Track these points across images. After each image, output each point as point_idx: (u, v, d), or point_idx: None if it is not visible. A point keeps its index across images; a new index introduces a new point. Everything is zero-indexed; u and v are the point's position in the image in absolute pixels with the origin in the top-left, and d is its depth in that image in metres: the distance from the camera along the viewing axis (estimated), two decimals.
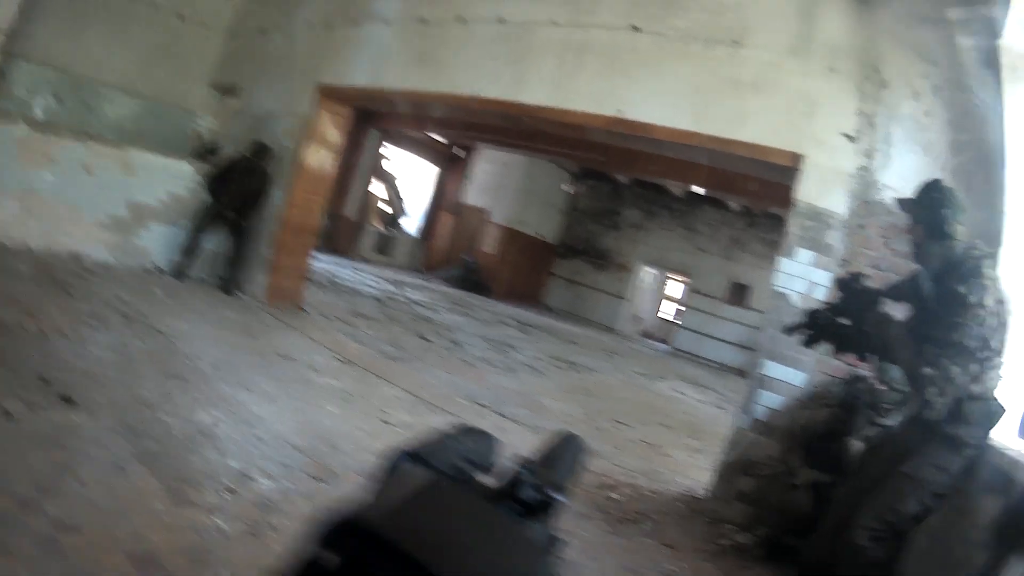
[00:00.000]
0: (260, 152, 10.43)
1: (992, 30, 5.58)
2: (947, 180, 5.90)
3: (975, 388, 3.92)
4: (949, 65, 6.19)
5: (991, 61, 5.64)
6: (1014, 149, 5.18)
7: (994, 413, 4.01)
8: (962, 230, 4.21)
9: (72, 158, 9.06)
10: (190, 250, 10.30)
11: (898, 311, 4.46)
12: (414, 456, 1.24)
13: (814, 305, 5.05)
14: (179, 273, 10.26)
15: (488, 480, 1.33)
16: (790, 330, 4.92)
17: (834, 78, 6.63)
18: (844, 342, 4.58)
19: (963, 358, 3.86)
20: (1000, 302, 3.90)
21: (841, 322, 4.56)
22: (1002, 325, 3.89)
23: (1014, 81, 5.33)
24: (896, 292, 4.42)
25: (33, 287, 7.44)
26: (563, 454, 1.53)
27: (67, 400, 4.96)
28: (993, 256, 4.05)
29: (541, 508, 1.18)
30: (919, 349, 4.04)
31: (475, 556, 0.90)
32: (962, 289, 3.90)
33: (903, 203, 4.55)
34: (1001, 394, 4.08)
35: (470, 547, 0.93)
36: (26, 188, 8.70)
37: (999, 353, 3.94)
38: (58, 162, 8.92)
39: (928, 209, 4.28)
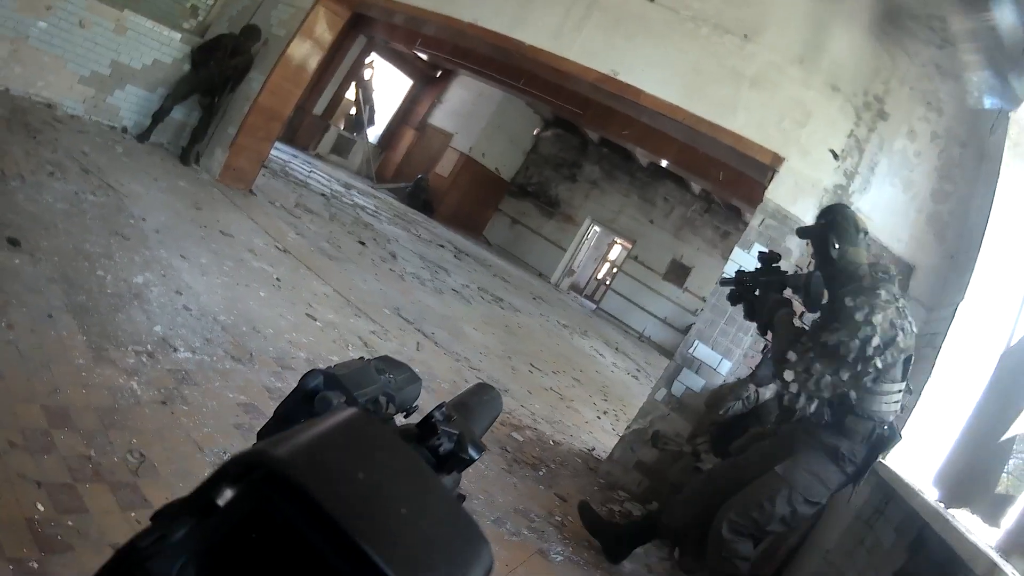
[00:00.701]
0: (250, 34, 10.25)
1: (1008, 101, 5.65)
2: (920, 223, 6.08)
3: (859, 403, 4.06)
4: (953, 118, 6.28)
5: (998, 129, 5.71)
6: (999, 217, 5.26)
7: (884, 437, 4.13)
8: (859, 252, 4.31)
9: (70, 11, 8.86)
10: (159, 115, 10.11)
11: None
12: (331, 379, 1.15)
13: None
14: (143, 135, 10.08)
15: (402, 421, 1.27)
16: (722, 282, 5.12)
17: (834, 96, 6.68)
18: (750, 310, 4.73)
19: (830, 361, 3.99)
20: (896, 328, 3.99)
21: (755, 292, 4.72)
22: (895, 349, 3.99)
23: (1015, 155, 5.39)
24: (793, 281, 4.54)
25: (3, 129, 7.27)
26: (479, 407, 1.45)
27: (13, 242, 4.90)
28: (893, 280, 4.16)
29: (454, 462, 1.12)
30: (795, 338, 4.21)
31: (394, 514, 0.85)
32: (848, 301, 4.04)
33: (800, 231, 4.72)
34: (899, 423, 4.24)
35: (389, 502, 0.87)
36: (19, 34, 8.50)
37: (886, 374, 4.05)
38: (56, 13, 8.71)
39: (817, 235, 4.43)
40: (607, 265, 33.05)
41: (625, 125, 12.95)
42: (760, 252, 4.84)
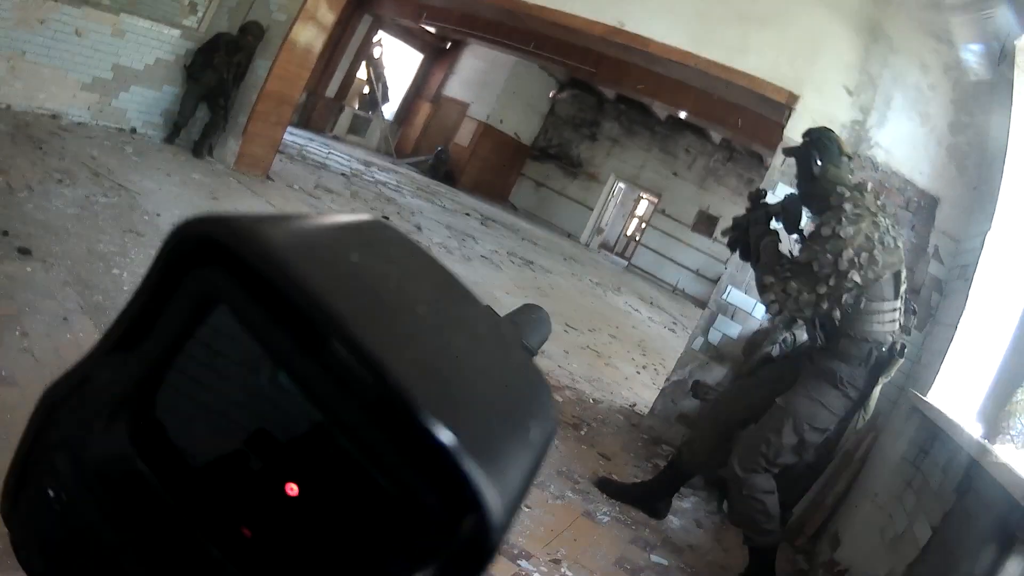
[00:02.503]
0: (249, 30, 10.14)
1: (1011, 29, 5.52)
2: (941, 155, 5.98)
3: (850, 325, 4.10)
4: (962, 50, 6.14)
5: (1006, 58, 5.59)
6: (1017, 143, 5.17)
7: (883, 359, 4.15)
8: (839, 173, 4.32)
9: (65, 21, 8.80)
10: (180, 123, 10.21)
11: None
12: None
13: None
14: (168, 139, 10.19)
15: None
16: (724, 232, 5.12)
17: (843, 31, 6.54)
18: (745, 250, 4.75)
19: (806, 278, 4.05)
20: (872, 241, 4.00)
21: (747, 233, 4.75)
22: (872, 263, 3.99)
23: None
24: (775, 207, 4.63)
25: (8, 144, 7.23)
26: (527, 323, 1.33)
27: (24, 252, 4.85)
28: (865, 195, 4.16)
29: None
30: (775, 262, 4.31)
31: (401, 307, 0.67)
32: (815, 220, 4.23)
33: (785, 150, 4.86)
34: (897, 343, 4.19)
35: (396, 292, 0.69)
36: (16, 50, 8.45)
37: (868, 290, 4.06)
38: (50, 25, 8.65)
39: (800, 151, 4.48)
40: (635, 221, 32.91)
41: (639, 78, 12.89)
42: (750, 194, 4.91)
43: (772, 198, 6.36)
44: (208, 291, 0.62)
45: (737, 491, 4.33)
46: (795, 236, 4.59)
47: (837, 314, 4.04)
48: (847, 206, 4.03)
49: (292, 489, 0.63)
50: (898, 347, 4.16)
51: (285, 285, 0.57)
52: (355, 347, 0.56)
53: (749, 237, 4.68)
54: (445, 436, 0.55)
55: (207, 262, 0.61)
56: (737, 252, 4.88)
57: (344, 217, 0.74)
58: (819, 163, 4.32)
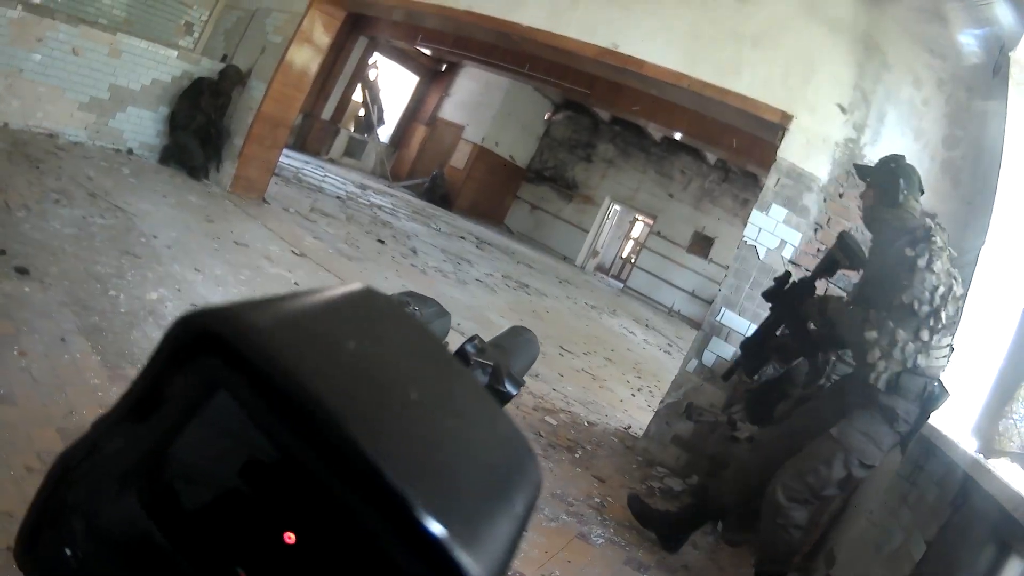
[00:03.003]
0: (228, 75, 10.26)
1: (1005, 41, 5.54)
2: (935, 170, 5.98)
3: (920, 361, 3.89)
4: (956, 63, 6.16)
5: (1000, 71, 5.60)
6: (1012, 158, 5.16)
7: (935, 394, 3.99)
8: (916, 207, 4.26)
9: (62, 40, 8.84)
10: (197, 164, 10.23)
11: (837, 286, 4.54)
12: None
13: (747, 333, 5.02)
14: (166, 159, 10.27)
15: None
16: (727, 376, 5.04)
17: (837, 50, 6.55)
18: (788, 352, 4.62)
19: (910, 321, 3.87)
20: (952, 276, 3.90)
21: (779, 336, 4.60)
22: (953, 300, 3.88)
23: (1020, 93, 5.29)
24: (825, 262, 4.48)
25: (5, 163, 7.24)
26: (515, 347, 1.35)
27: (22, 271, 4.85)
28: (944, 231, 4.08)
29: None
30: (863, 316, 4.06)
31: (394, 394, 0.69)
32: (909, 252, 3.93)
33: (860, 168, 4.64)
34: (946, 377, 4.07)
35: (390, 380, 0.71)
36: (12, 68, 8.48)
37: (948, 328, 3.93)
38: (47, 44, 8.69)
39: (884, 176, 4.34)
40: (631, 243, 32.96)
41: (633, 100, 12.90)
42: (764, 294, 4.77)
43: (766, 221, 6.41)
44: (209, 379, 0.66)
45: (771, 518, 4.21)
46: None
47: (924, 360, 3.91)
48: (937, 238, 3.95)
49: (289, 537, 0.65)
50: (943, 383, 4.05)
51: (282, 381, 0.61)
52: (352, 446, 0.59)
53: (778, 341, 4.60)
54: (438, 529, 0.59)
55: (207, 352, 0.64)
56: (769, 368, 4.81)
57: (333, 293, 0.78)
58: (904, 192, 4.23)
